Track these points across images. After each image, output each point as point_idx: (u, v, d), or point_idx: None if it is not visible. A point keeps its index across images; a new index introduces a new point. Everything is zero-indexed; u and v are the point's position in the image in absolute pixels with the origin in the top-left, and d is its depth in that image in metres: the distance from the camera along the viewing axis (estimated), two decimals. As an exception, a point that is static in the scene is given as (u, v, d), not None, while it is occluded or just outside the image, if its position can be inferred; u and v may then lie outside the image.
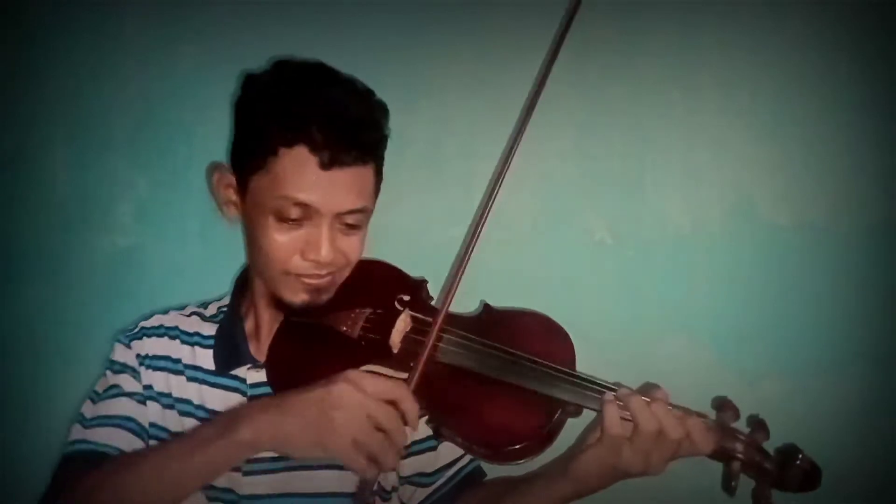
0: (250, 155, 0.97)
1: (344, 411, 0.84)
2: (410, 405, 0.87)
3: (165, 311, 1.14)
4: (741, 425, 0.94)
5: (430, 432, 1.05)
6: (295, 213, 0.96)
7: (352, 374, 0.87)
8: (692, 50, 1.27)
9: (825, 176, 1.26)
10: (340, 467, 0.95)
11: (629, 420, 0.88)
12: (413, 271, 1.13)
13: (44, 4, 1.39)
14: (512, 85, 1.30)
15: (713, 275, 1.28)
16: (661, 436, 0.86)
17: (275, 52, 1.25)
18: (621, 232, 1.31)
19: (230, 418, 0.89)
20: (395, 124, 1.02)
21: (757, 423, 0.91)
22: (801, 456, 0.88)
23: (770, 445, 0.94)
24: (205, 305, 1.17)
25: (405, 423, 0.87)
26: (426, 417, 0.96)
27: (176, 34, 1.36)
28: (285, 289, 1.01)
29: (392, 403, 0.86)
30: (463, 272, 0.95)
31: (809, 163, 1.27)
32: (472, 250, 0.96)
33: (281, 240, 0.98)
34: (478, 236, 0.97)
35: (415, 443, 1.09)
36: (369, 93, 1.01)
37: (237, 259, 1.15)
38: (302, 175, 0.94)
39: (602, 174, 1.31)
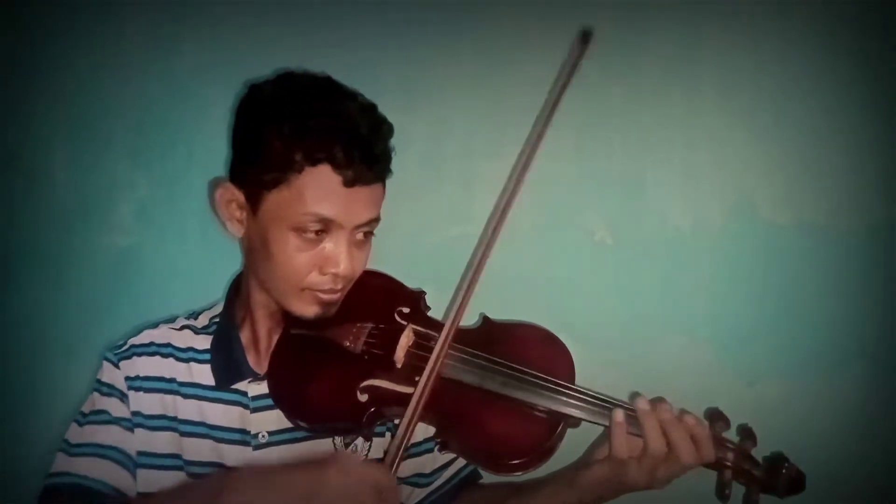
0: (266, 172, 0.96)
1: (330, 494, 0.84)
2: (394, 496, 0.88)
3: (155, 325, 1.10)
4: (732, 430, 0.97)
5: (427, 434, 1.06)
6: (316, 227, 0.96)
7: (342, 457, 0.88)
8: (692, 50, 1.27)
9: (825, 176, 1.26)
10: None
11: (638, 436, 0.91)
12: (412, 271, 1.13)
13: (44, 4, 1.39)
14: (511, 85, 1.30)
15: (713, 275, 1.28)
16: (670, 458, 0.90)
17: (275, 51, 1.26)
18: (621, 232, 1.31)
19: (218, 486, 0.88)
20: (396, 124, 1.01)
21: (745, 432, 0.95)
22: (787, 464, 0.92)
23: (770, 444, 0.96)
24: (195, 316, 1.13)
25: None
26: (434, 432, 0.99)
27: (176, 34, 1.36)
28: (297, 302, 1.01)
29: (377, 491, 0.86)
30: (468, 297, 0.97)
31: (809, 163, 1.27)
32: (480, 271, 0.98)
33: (299, 256, 0.97)
34: (485, 260, 0.98)
35: (413, 445, 1.10)
36: (374, 107, 1.00)
37: (237, 259, 1.15)
38: (326, 192, 0.95)
39: (602, 174, 1.31)
